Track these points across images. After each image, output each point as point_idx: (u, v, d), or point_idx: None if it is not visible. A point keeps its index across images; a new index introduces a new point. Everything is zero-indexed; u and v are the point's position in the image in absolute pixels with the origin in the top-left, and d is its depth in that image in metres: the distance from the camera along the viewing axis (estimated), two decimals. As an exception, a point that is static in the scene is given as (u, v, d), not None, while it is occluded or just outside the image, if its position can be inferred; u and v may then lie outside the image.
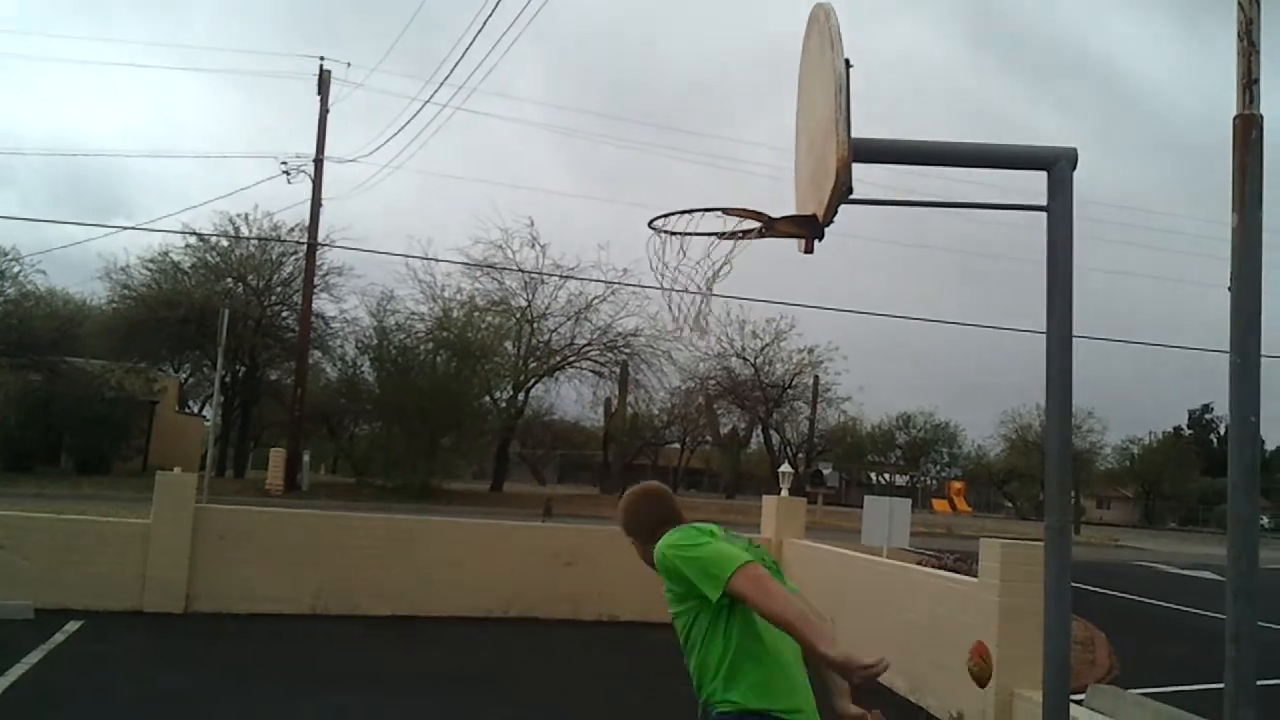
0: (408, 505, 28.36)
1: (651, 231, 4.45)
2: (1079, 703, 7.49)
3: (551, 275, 43.08)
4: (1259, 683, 4.67)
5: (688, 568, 3.57)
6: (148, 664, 9.35)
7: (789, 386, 56.86)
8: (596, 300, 44.61)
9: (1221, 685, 4.66)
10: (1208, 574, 24.46)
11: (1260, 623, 4.80)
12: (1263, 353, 4.62)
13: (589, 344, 45.83)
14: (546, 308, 44.52)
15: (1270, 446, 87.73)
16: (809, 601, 3.60)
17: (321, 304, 41.73)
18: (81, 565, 11.32)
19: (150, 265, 41.43)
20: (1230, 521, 4.64)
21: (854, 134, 4.01)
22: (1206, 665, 5.14)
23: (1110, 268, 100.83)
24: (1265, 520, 74.00)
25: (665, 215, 4.27)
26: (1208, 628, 15.11)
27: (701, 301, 4.69)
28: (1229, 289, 4.51)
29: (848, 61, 4.07)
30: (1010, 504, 77.24)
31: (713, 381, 56.67)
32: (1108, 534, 50.52)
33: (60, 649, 9.47)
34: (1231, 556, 4.60)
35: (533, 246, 43.11)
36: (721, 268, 4.54)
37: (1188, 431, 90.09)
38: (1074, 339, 4.73)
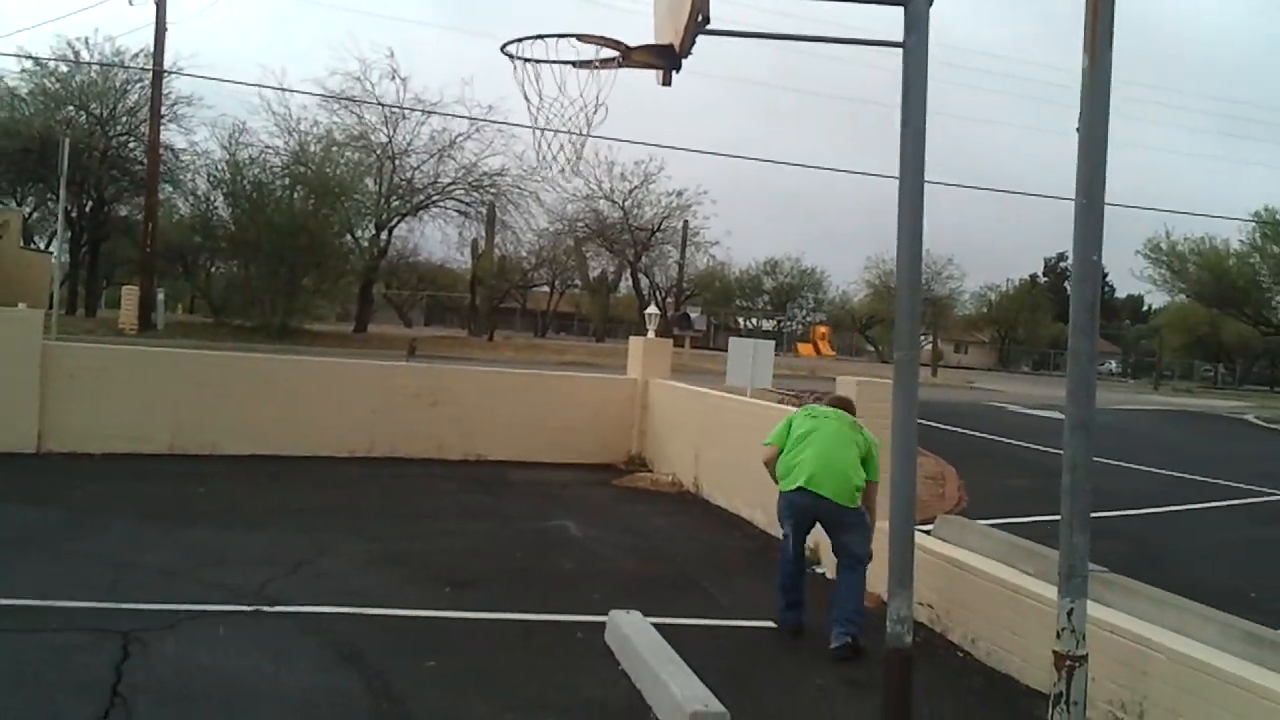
0: (268, 346, 27.86)
1: (509, 60, 4.34)
2: (928, 532, 7.85)
3: (413, 110, 42.05)
4: (1094, 514, 4.94)
5: None
6: (0, 502, 9.13)
7: (658, 230, 56.89)
8: (460, 137, 43.81)
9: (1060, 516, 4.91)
10: (1055, 414, 25.65)
11: (1100, 458, 5.06)
12: (1109, 199, 4.75)
13: (453, 183, 45.12)
14: (408, 144, 43.56)
15: (1120, 294, 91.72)
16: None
17: (170, 135, 40.06)
18: (-78, 404, 10.92)
19: (-17, 91, 39.25)
20: (1070, 357, 4.83)
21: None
22: (1050, 498, 5.43)
23: (976, 116, 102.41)
24: (1112, 365, 77.64)
25: (518, 40, 4.16)
26: (1052, 463, 15.88)
27: (580, 141, 4.62)
28: (1077, 130, 4.60)
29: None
30: (873, 348, 79.40)
31: (581, 224, 56.45)
32: (963, 376, 52.46)
33: (-98, 489, 9.20)
34: (1070, 391, 4.79)
35: (393, 79, 42.02)
36: (597, 107, 4.46)
37: (1043, 279, 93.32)
38: (934, 184, 4.81)
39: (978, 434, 21.19)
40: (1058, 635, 4.71)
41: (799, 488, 6.79)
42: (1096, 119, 4.50)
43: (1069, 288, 4.85)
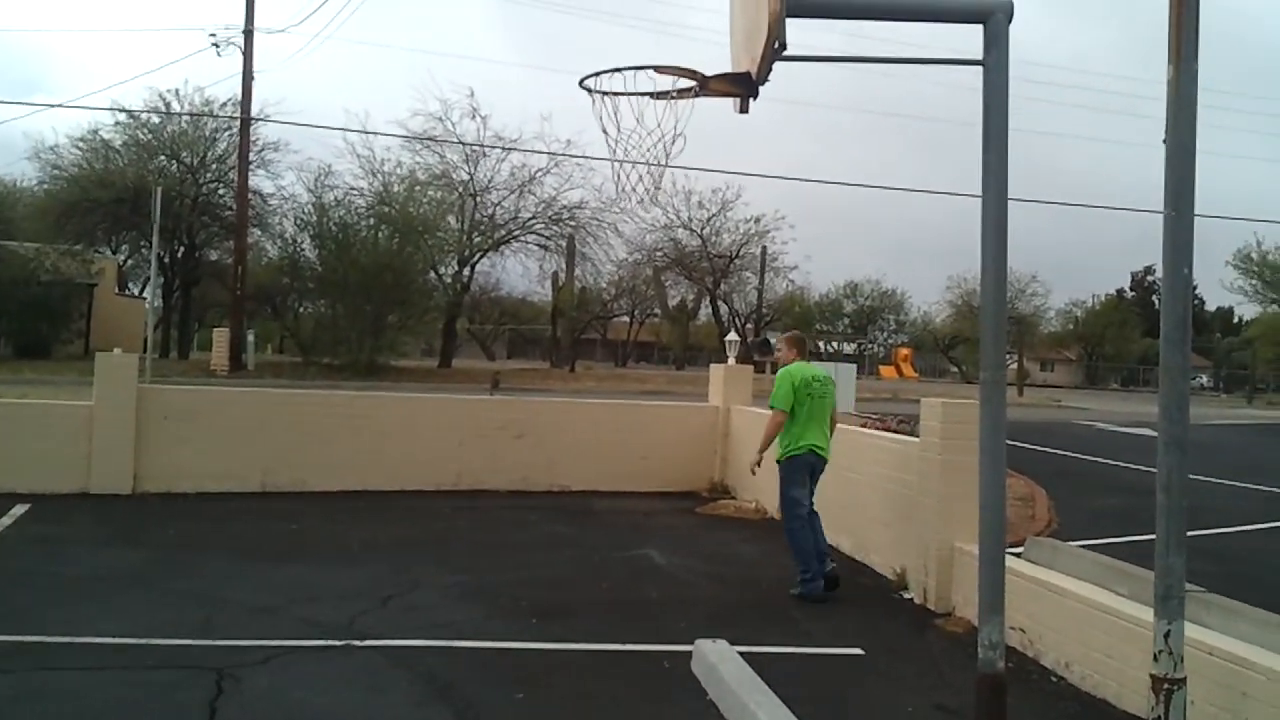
0: (355, 383, 28.33)
1: (587, 94, 4.39)
2: (1018, 555, 7.72)
3: (493, 148, 42.61)
4: (1191, 533, 4.82)
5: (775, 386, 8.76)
6: (99, 543, 9.34)
7: (736, 256, 56.79)
8: (540, 172, 44.24)
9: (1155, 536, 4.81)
10: (1146, 431, 25.11)
11: (1195, 475, 4.94)
12: (1198, 211, 4.66)
13: (534, 217, 45.53)
14: (489, 181, 44.07)
15: (1210, 307, 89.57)
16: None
17: (258, 180, 41.04)
18: (25, 449, 11.25)
19: (80, 144, 40.58)
20: (1162, 373, 4.73)
21: (786, -12, 3.94)
22: (1143, 517, 5.33)
23: (1058, 132, 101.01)
24: (1204, 379, 75.69)
25: (596, 74, 4.20)
26: (1144, 482, 15.53)
27: (658, 172, 4.66)
28: (1164, 141, 4.53)
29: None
30: (956, 369, 78.29)
31: (660, 253, 56.53)
32: (1050, 395, 51.55)
33: (9, 531, 9.48)
34: (1163, 407, 4.69)
35: (473, 118, 42.52)
36: (675, 138, 4.49)
37: (1130, 294, 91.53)
38: (1017, 201, 4.76)
39: (1067, 453, 20.80)
40: (1155, 658, 4.61)
41: (814, 450, 8.69)
42: (1183, 129, 4.43)
43: (1158, 301, 4.74)
